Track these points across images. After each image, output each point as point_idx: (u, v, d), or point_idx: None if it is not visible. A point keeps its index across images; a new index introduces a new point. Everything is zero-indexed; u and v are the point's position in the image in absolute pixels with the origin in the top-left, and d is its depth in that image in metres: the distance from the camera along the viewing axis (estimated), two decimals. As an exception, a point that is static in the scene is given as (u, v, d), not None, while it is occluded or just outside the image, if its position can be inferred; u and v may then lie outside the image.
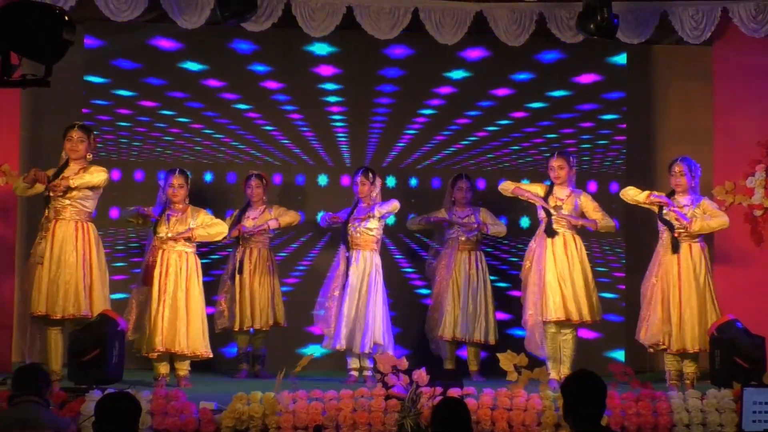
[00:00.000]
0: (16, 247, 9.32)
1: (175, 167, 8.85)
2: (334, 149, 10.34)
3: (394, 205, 9.15)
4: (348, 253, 9.07)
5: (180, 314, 8.33)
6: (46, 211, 8.10)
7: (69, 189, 8.05)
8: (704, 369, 8.46)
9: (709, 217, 8.55)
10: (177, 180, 8.54)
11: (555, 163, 8.89)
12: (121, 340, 7.89)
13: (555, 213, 8.78)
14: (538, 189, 8.93)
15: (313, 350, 9.42)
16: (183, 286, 8.39)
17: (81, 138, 8.20)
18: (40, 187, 8.10)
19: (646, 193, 8.66)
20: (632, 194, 8.74)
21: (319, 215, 9.52)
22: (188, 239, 8.45)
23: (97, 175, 8.15)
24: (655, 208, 8.66)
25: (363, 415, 7.15)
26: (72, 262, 8.04)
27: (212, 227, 8.56)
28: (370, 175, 9.17)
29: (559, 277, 8.69)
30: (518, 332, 9.50)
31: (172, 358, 8.43)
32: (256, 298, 9.26)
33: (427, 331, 9.60)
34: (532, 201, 8.88)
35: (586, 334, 9.59)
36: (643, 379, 8.03)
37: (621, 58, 10.34)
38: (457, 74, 10.36)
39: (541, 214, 8.88)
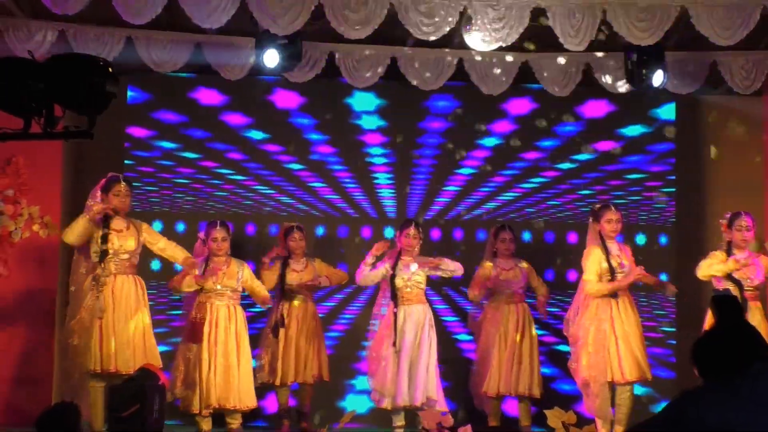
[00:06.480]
0: (57, 301, 9.20)
1: (216, 219, 8.75)
2: (376, 201, 10.22)
3: (461, 271, 8.83)
4: (396, 309, 8.69)
5: (233, 370, 8.24)
6: (103, 264, 8.02)
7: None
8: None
9: None
10: (219, 233, 8.44)
11: (615, 216, 8.55)
12: (162, 395, 7.77)
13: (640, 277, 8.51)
14: (602, 260, 8.52)
15: (357, 405, 9.28)
16: (233, 341, 8.29)
17: (128, 192, 8.23)
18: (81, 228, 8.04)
19: (731, 262, 8.30)
20: (719, 268, 8.31)
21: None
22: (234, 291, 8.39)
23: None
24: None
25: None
26: (139, 318, 8.04)
27: (262, 290, 8.55)
28: (420, 228, 8.94)
29: (629, 336, 8.39)
30: (564, 387, 9.35)
31: (219, 412, 8.31)
32: (302, 352, 8.97)
33: (472, 386, 9.32)
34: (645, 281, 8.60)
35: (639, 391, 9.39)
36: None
37: (669, 110, 10.18)
38: (501, 126, 10.25)
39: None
